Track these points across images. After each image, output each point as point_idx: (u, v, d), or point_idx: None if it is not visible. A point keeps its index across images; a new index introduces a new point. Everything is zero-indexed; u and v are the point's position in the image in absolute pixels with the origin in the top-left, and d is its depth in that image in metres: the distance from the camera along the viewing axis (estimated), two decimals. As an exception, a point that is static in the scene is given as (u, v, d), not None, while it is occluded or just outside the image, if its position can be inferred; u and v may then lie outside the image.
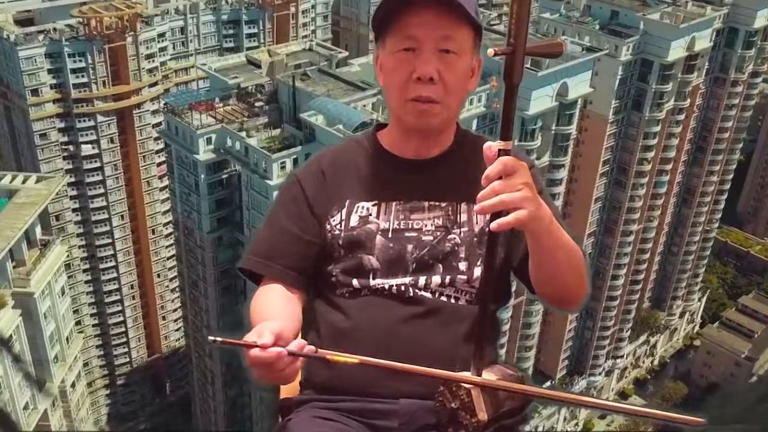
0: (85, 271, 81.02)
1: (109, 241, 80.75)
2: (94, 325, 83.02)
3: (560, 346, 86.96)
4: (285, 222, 2.90)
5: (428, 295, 2.76)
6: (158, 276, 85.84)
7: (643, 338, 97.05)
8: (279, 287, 2.83)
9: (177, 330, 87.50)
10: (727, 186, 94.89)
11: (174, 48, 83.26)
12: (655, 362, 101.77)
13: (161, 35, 79.80)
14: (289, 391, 2.88)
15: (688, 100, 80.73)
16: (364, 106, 59.54)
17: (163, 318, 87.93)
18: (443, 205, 2.86)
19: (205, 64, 69.12)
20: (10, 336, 42.38)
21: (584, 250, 2.76)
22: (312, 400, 2.76)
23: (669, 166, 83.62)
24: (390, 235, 2.81)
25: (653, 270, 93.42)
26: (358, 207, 2.86)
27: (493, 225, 2.33)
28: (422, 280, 2.77)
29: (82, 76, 74.45)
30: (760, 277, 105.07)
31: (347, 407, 2.69)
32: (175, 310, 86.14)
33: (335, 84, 62.01)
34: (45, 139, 75.27)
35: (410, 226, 2.83)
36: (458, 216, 2.84)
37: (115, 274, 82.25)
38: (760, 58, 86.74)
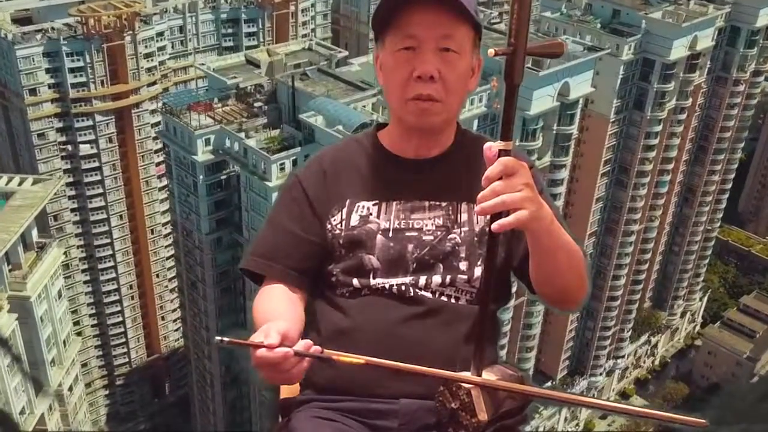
0: (83, 271, 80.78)
1: (108, 241, 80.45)
2: (92, 326, 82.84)
3: (561, 346, 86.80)
4: (286, 222, 2.90)
5: (428, 294, 2.78)
6: (157, 276, 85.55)
7: (644, 338, 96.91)
8: (282, 287, 2.83)
9: (176, 330, 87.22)
10: (729, 185, 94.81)
11: (173, 47, 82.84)
12: (656, 362, 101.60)
13: (160, 34, 79.37)
14: (289, 391, 2.88)
15: (690, 100, 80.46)
16: (364, 106, 59.15)
17: (162, 318, 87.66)
18: (444, 204, 2.86)
19: (203, 64, 68.67)
20: (9, 336, 42.06)
21: (585, 250, 2.76)
22: (312, 401, 2.77)
23: (670, 166, 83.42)
24: (390, 235, 2.82)
25: (654, 270, 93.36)
26: (358, 206, 2.87)
27: (494, 226, 2.33)
28: (423, 280, 2.78)
29: (81, 76, 74.07)
30: (762, 277, 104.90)
31: (347, 407, 2.70)
32: (174, 310, 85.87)
33: (335, 84, 61.59)
34: (43, 138, 74.91)
35: (411, 226, 2.84)
36: (459, 216, 2.85)
37: (113, 275, 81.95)
38: (762, 56, 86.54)
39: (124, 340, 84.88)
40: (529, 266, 2.70)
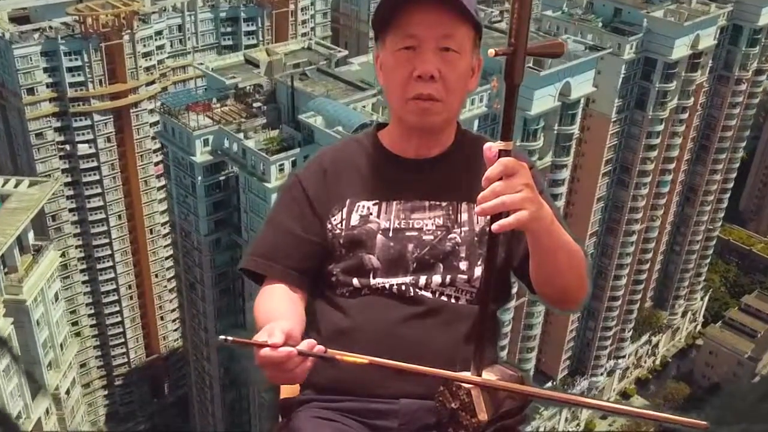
0: (82, 271, 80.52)
1: (107, 241, 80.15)
2: (91, 326, 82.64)
3: (562, 346, 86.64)
4: (287, 222, 2.90)
5: (428, 294, 2.78)
6: (156, 276, 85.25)
7: (645, 338, 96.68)
8: (283, 287, 2.83)
9: (175, 330, 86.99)
10: (731, 184, 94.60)
11: (171, 46, 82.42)
12: (657, 362, 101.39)
13: (158, 33, 78.93)
14: (289, 391, 2.87)
15: (692, 99, 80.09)
16: (364, 106, 58.74)
17: (162, 318, 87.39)
18: (444, 204, 2.87)
19: (202, 64, 68.19)
20: (8, 336, 41.75)
21: (585, 250, 2.75)
22: (312, 401, 2.76)
23: (672, 165, 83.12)
24: (390, 235, 2.82)
25: (655, 269, 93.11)
26: (358, 206, 2.87)
27: (495, 226, 2.32)
28: (423, 280, 2.78)
29: (79, 75, 73.70)
30: (763, 276, 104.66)
31: (347, 407, 2.69)
32: (173, 310, 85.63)
33: (334, 84, 61.17)
34: (41, 138, 74.55)
35: (411, 226, 2.84)
36: (459, 215, 2.85)
37: (112, 275, 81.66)
38: (765, 55, 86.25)
39: (122, 340, 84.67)
40: (529, 266, 2.70)
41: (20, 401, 42.82)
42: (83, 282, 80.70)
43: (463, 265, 2.80)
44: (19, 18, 75.50)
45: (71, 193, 77.22)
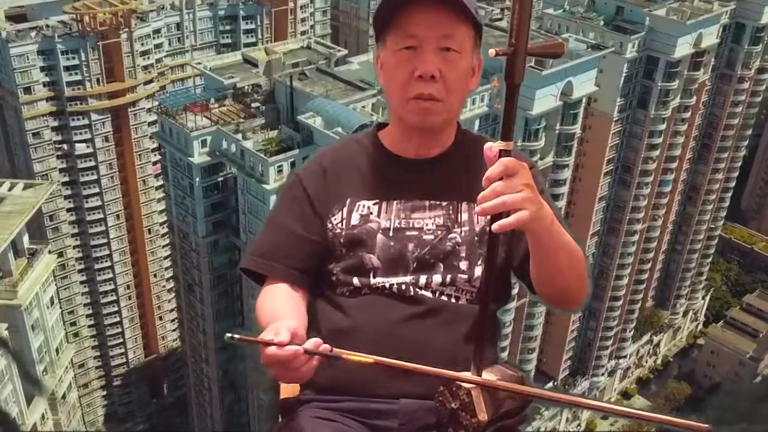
0: (80, 271, 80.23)
1: (105, 241, 79.81)
2: (90, 326, 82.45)
3: (563, 346, 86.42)
4: (288, 222, 2.90)
5: (429, 294, 2.77)
6: (155, 276, 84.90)
7: (646, 338, 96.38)
8: (285, 287, 2.82)
9: (174, 330, 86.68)
10: (733, 183, 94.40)
11: (170, 44, 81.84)
12: (658, 362, 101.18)
13: (156, 31, 78.34)
14: (289, 391, 2.84)
15: (694, 98, 79.56)
16: (364, 107, 58.15)
17: (160, 318, 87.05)
18: (444, 204, 2.86)
19: (200, 63, 67.53)
20: (8, 337, 41.30)
21: (585, 250, 2.25)
22: (312, 401, 2.76)
23: (674, 165, 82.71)
24: (391, 234, 2.82)
25: (657, 269, 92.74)
26: (359, 206, 2.86)
27: (495, 226, 2.33)
28: (423, 279, 2.78)
29: (76, 74, 73.25)
30: (765, 275, 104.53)
31: (347, 407, 2.69)
32: (171, 310, 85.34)
33: (334, 84, 60.56)
34: (38, 137, 74.13)
35: (411, 225, 2.83)
36: (459, 215, 2.85)
37: (111, 274, 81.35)
38: (767, 53, 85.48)
39: (121, 340, 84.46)
40: (529, 266, 2.68)
41: (15, 408, 42.31)
42: (81, 282, 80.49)
43: (463, 265, 2.80)
44: (16, 16, 74.94)
45: (69, 192, 76.92)
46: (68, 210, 77.57)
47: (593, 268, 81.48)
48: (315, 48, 68.26)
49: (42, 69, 72.09)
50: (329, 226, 2.86)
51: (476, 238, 2.81)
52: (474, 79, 2.79)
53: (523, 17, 2.26)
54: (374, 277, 2.78)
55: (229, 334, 2.20)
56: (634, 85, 75.33)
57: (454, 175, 2.88)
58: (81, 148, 75.39)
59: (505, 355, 67.59)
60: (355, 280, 2.80)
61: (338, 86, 60.14)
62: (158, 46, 79.00)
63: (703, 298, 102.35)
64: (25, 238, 44.29)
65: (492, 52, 2.33)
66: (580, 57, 66.28)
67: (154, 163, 78.40)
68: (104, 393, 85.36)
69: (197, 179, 59.83)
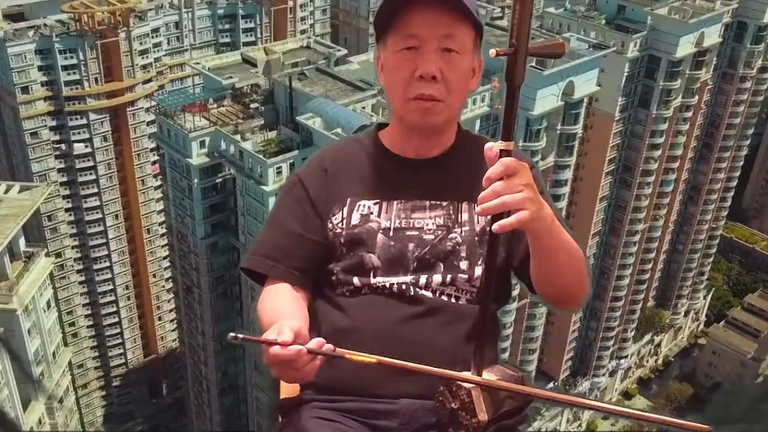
0: (79, 271, 79.98)
1: (104, 241, 79.52)
2: (88, 326, 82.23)
3: (564, 346, 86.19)
4: (289, 222, 2.90)
5: (429, 294, 2.78)
6: (154, 276, 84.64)
7: (647, 337, 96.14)
8: (286, 287, 2.82)
9: (173, 330, 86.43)
10: (734, 183, 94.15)
11: (168, 43, 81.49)
12: (659, 361, 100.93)
13: (155, 30, 77.96)
14: (289, 391, 2.86)
15: (696, 97, 79.20)
16: (363, 107, 57.67)
17: (159, 318, 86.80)
18: (444, 204, 2.87)
19: (198, 63, 67.06)
20: (8, 337, 40.95)
21: (586, 250, 2.36)
22: (312, 400, 2.76)
23: (676, 165, 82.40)
24: (391, 234, 2.82)
25: (658, 269, 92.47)
26: (359, 205, 2.87)
27: (495, 227, 2.34)
28: (423, 279, 2.78)
29: (74, 73, 72.87)
30: (766, 274, 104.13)
31: (347, 407, 2.70)
32: (171, 310, 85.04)
33: (333, 84, 60.09)
34: (36, 137, 73.80)
35: (411, 225, 2.84)
36: (459, 215, 2.85)
37: (109, 275, 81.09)
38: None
39: (120, 340, 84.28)
40: (529, 266, 2.69)
41: (12, 412, 41.97)
42: (80, 282, 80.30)
43: (463, 265, 2.80)
44: (14, 15, 74.59)
45: (67, 192, 76.65)
46: (66, 210, 77.30)
47: (594, 268, 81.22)
48: (314, 47, 67.76)
49: (40, 68, 71.78)
50: (330, 225, 2.86)
51: (476, 238, 2.82)
52: (474, 80, 2.80)
53: (523, 17, 2.25)
54: (374, 277, 2.78)
55: (232, 334, 2.19)
56: (635, 84, 74.92)
57: (454, 175, 2.88)
58: (79, 148, 75.07)
59: (505, 355, 67.35)
60: (356, 280, 2.80)
61: (338, 86, 59.66)
62: (157, 45, 78.64)
63: (705, 297, 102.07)
64: (22, 241, 43.90)
65: (493, 52, 2.33)
66: (582, 57, 65.90)
67: (153, 163, 78.10)
68: (103, 393, 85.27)
69: (196, 180, 59.43)
